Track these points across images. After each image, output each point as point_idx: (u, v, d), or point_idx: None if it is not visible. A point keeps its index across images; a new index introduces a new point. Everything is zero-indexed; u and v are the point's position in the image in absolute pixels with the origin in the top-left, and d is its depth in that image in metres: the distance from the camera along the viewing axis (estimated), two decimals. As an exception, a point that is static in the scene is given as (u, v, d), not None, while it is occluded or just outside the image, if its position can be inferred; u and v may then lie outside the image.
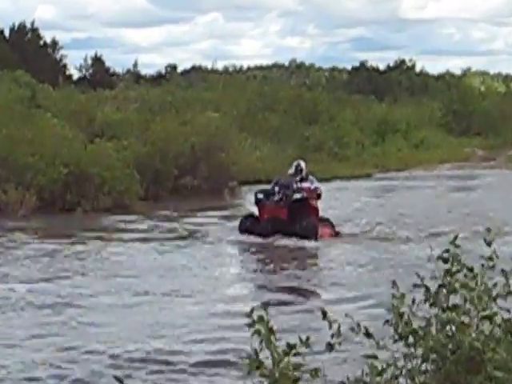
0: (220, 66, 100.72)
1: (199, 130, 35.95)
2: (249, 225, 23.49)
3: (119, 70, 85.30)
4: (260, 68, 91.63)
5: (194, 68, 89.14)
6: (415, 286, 6.22)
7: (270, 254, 22.42)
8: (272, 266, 21.18)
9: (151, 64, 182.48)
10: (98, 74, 77.56)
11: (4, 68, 51.59)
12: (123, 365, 12.40)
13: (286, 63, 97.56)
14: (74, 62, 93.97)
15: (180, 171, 34.25)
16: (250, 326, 5.52)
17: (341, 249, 22.76)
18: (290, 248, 22.58)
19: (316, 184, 23.77)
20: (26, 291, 17.28)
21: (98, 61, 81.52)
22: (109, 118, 39.06)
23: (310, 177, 23.96)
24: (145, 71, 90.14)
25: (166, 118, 37.67)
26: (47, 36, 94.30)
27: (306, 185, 23.53)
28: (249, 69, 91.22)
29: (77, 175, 29.85)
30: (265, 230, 23.05)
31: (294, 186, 23.30)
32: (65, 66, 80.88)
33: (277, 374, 5.51)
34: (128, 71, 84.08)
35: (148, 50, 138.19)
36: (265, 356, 5.44)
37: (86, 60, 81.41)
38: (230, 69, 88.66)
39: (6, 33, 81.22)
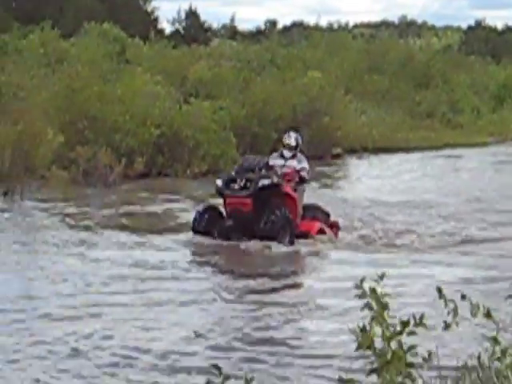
0: (324, 22, 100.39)
1: (301, 91, 35.97)
2: (206, 223, 18.44)
3: (215, 24, 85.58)
4: (367, 25, 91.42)
5: (295, 24, 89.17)
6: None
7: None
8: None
9: (249, 19, 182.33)
10: (192, 29, 77.77)
11: (91, 20, 51.85)
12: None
13: (396, 21, 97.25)
14: (167, 14, 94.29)
15: (280, 135, 34.20)
16: (360, 297, 5.65)
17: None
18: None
19: (303, 164, 18.88)
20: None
21: (192, 14, 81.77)
22: (204, 75, 39.19)
23: (300, 155, 19.16)
24: (242, 26, 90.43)
25: (265, 77, 37.74)
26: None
27: (292, 163, 18.83)
28: (355, 26, 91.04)
29: (169, 137, 30.10)
30: (226, 228, 18.27)
31: (262, 171, 18.25)
32: (156, 19, 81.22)
33: (389, 355, 5.62)
34: (224, 26, 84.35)
35: (247, 2, 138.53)
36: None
37: (179, 13, 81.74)
38: (335, 25, 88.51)
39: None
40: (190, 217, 21.30)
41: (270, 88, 35.63)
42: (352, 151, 36.33)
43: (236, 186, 18.11)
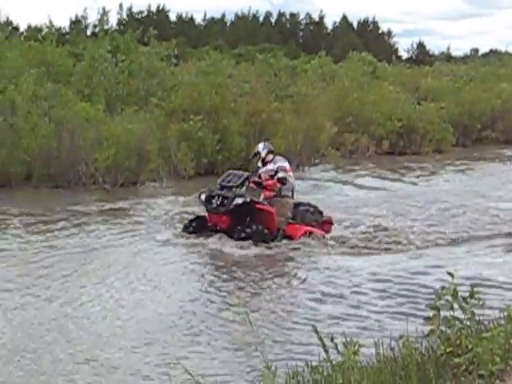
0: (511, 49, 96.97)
1: (496, 95, 35.18)
2: (192, 229, 13.89)
3: (436, 52, 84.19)
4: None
5: (491, 51, 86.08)
6: None
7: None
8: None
9: (459, 48, 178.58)
10: (421, 55, 77.26)
11: (353, 51, 51.92)
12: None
13: None
14: (404, 46, 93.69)
15: (482, 126, 33.90)
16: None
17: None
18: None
19: (279, 163, 14.08)
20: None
21: (421, 46, 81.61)
22: (430, 86, 38.61)
23: (277, 157, 14.31)
24: (455, 53, 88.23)
25: (472, 87, 36.88)
26: (384, 27, 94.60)
27: (269, 167, 14.09)
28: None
29: (407, 127, 30.03)
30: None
31: (239, 189, 13.71)
32: (396, 49, 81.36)
33: None
34: (442, 53, 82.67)
35: (458, 37, 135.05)
36: None
37: (412, 45, 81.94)
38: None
39: (355, 25, 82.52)
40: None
41: (475, 94, 34.87)
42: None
43: (214, 204, 13.63)
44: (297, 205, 14.24)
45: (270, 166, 14.03)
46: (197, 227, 13.80)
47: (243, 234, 13.22)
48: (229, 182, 13.80)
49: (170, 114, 23.34)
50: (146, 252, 12.76)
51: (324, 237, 13.88)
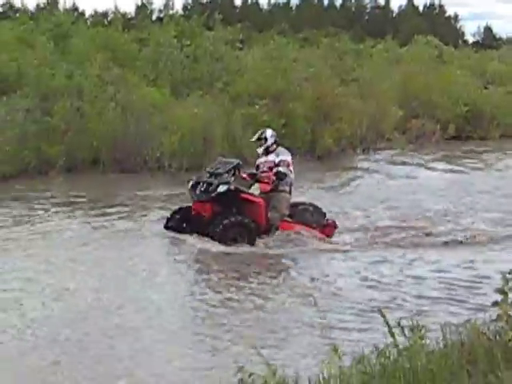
0: None
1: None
2: (176, 222, 12.67)
3: (504, 35, 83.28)
4: None
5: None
6: None
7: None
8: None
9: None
10: (487, 39, 76.65)
11: (418, 34, 51.38)
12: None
13: None
14: (470, 30, 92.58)
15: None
16: None
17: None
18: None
19: (281, 157, 12.78)
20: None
21: (487, 29, 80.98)
22: (497, 70, 38.13)
23: (280, 148, 12.98)
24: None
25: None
26: (450, 11, 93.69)
27: (270, 158, 12.77)
28: None
29: (474, 112, 29.65)
30: (191, 229, 12.45)
31: (225, 176, 12.25)
32: (463, 33, 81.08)
33: None
34: (510, 37, 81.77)
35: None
36: None
37: (479, 29, 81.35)
38: None
39: (420, 8, 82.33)
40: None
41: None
42: None
43: (198, 191, 12.36)
44: (296, 204, 12.98)
45: (270, 157, 12.83)
46: (180, 220, 12.62)
47: (225, 222, 11.89)
48: (217, 168, 12.54)
49: (234, 98, 23.38)
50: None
51: (324, 240, 12.59)
